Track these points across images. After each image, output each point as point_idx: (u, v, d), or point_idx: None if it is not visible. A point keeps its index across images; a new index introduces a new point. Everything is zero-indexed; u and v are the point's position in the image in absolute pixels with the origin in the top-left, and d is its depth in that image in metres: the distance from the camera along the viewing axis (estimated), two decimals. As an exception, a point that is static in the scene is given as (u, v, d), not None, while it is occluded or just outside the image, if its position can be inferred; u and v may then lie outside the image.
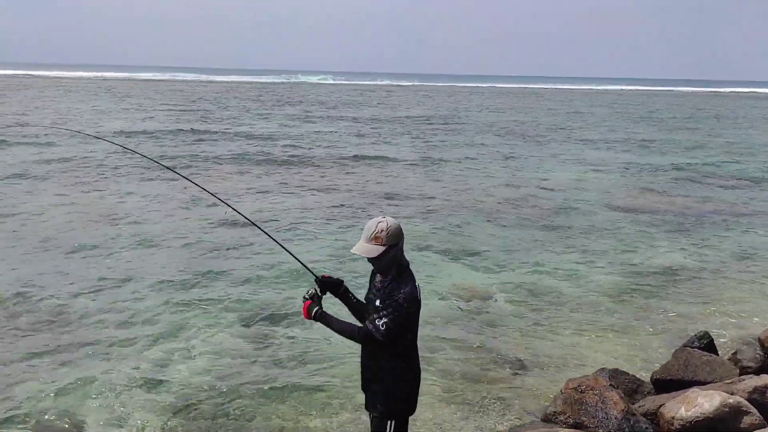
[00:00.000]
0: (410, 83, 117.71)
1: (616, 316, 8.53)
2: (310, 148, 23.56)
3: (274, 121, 33.96)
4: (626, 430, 5.21)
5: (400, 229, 3.55)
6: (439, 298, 8.95)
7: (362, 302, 3.77)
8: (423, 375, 6.54)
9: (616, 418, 5.34)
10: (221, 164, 19.68)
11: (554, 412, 5.68)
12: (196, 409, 5.96)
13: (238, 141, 25.01)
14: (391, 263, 3.53)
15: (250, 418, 5.83)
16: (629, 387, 6.20)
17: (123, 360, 6.89)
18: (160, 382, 6.44)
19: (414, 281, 3.56)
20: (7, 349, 7.04)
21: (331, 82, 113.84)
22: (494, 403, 6.21)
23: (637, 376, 6.47)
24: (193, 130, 27.68)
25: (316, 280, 3.74)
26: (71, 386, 6.30)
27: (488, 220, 13.64)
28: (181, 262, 10.11)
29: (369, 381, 3.71)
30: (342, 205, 14.51)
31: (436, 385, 6.50)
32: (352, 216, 13.57)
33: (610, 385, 5.75)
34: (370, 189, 16.68)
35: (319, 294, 3.67)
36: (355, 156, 21.95)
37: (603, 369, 6.41)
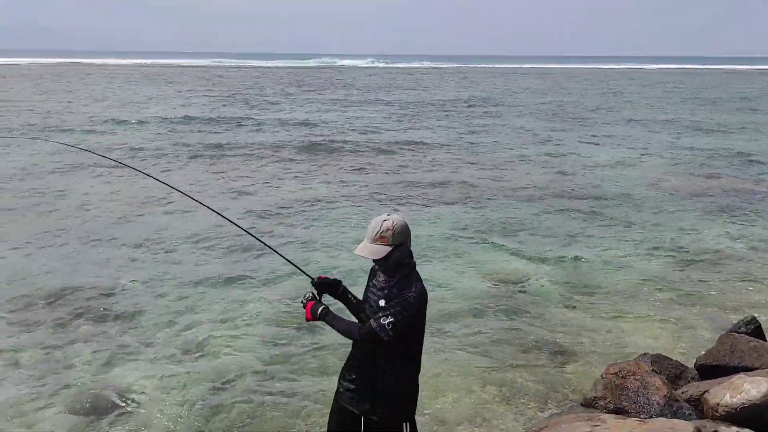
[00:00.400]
0: (448, 65, 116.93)
1: (660, 300, 8.37)
2: (346, 134, 23.53)
3: (312, 106, 34.10)
4: (669, 416, 5.12)
5: (407, 227, 3.33)
6: (477, 283, 8.90)
7: (362, 301, 3.57)
8: (461, 358, 6.66)
9: (658, 403, 5.25)
10: (256, 150, 19.76)
11: (594, 397, 5.62)
12: (232, 396, 6.08)
13: (274, 126, 25.16)
14: (398, 264, 3.31)
15: (283, 411, 5.89)
16: (672, 373, 6.08)
17: (163, 341, 7.06)
18: (199, 362, 6.60)
19: (422, 280, 3.36)
20: (56, 330, 7.27)
21: (370, 65, 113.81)
22: (533, 387, 6.17)
23: (681, 361, 6.34)
24: (230, 117, 27.99)
25: (312, 283, 3.58)
26: (114, 364, 6.52)
27: (527, 204, 13.48)
28: (217, 250, 10.24)
29: (369, 381, 3.44)
30: (377, 192, 14.49)
31: (474, 369, 6.49)
32: (388, 202, 13.58)
33: (653, 370, 5.65)
34: (406, 175, 16.63)
35: (317, 297, 3.51)
36: (392, 141, 21.86)
37: (645, 354, 6.30)
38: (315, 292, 3.53)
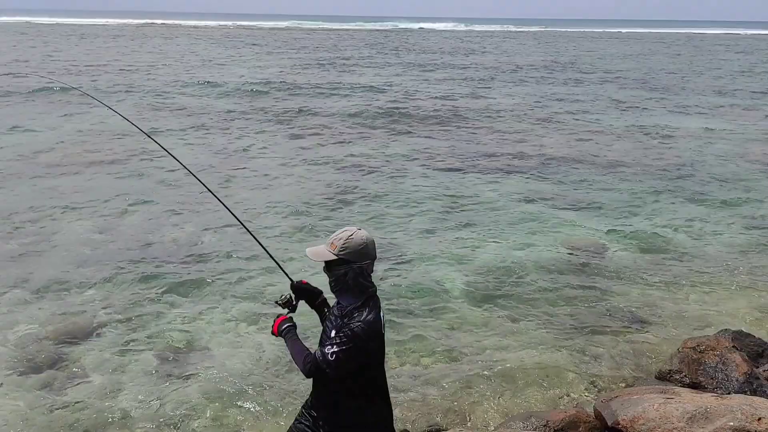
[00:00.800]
0: (531, 29, 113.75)
1: (744, 274, 8.06)
2: (420, 99, 23.20)
3: (387, 70, 33.92)
4: (748, 393, 4.98)
5: (368, 247, 2.98)
6: (553, 250, 8.80)
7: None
8: (534, 322, 6.64)
9: (737, 380, 5.12)
10: (330, 115, 19.84)
11: (670, 370, 5.52)
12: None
13: (349, 90, 25.06)
14: (343, 283, 3.00)
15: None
16: (754, 350, 5.89)
17: (237, 301, 7.36)
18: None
19: (379, 311, 3.02)
20: (136, 290, 7.65)
21: (452, 27, 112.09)
22: (606, 356, 6.12)
23: (764, 339, 6.12)
24: (305, 81, 28.25)
25: (291, 286, 3.30)
26: (191, 317, 6.89)
27: (607, 173, 13.13)
28: (294, 219, 10.46)
29: (328, 418, 3.13)
30: (452, 159, 14.38)
31: (546, 335, 6.49)
32: (461, 170, 13.48)
33: (733, 346, 5.49)
34: (481, 142, 16.43)
35: (294, 302, 3.28)
36: (467, 107, 21.53)
37: (726, 330, 6.12)
38: (293, 296, 3.30)
